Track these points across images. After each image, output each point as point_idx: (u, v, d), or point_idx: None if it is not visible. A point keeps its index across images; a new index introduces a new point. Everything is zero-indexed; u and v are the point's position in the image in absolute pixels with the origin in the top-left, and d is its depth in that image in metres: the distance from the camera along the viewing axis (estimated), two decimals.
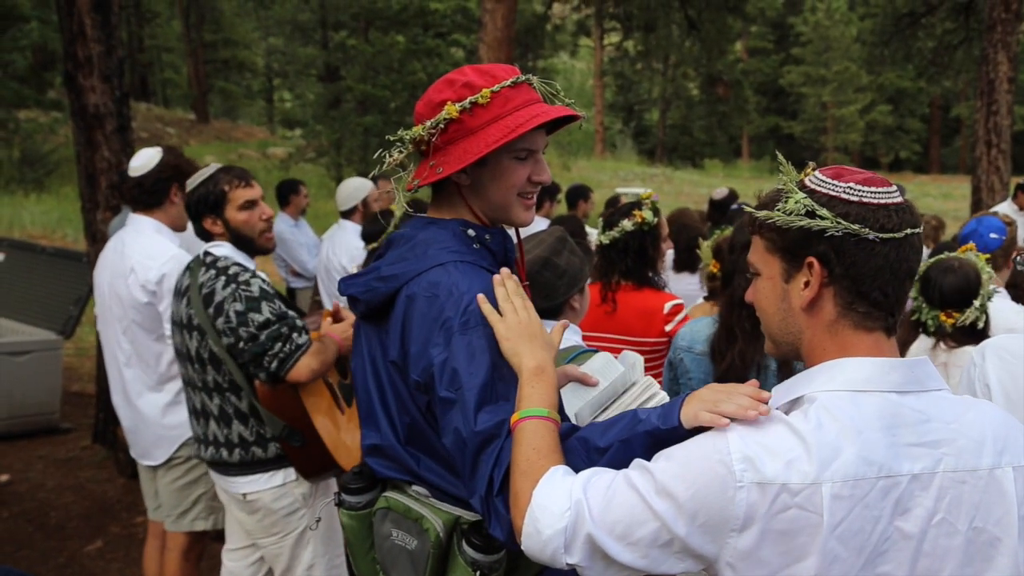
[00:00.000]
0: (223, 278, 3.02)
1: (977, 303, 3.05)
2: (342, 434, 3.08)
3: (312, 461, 3.03)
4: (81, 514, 5.51)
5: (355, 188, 6.38)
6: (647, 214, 3.67)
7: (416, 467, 1.92)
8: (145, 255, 3.62)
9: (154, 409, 3.70)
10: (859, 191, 1.41)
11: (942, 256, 3.20)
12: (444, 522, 1.88)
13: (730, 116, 41.80)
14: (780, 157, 1.55)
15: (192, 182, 3.21)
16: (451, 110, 1.84)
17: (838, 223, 1.39)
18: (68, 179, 16.93)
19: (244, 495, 3.14)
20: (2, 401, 6.80)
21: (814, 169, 1.50)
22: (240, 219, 3.18)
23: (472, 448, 1.70)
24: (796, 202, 1.43)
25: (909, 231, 1.41)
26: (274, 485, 3.10)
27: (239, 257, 3.16)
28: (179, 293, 3.20)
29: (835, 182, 1.43)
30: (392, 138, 1.95)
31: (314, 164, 22.85)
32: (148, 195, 3.71)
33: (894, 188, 1.44)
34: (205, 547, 3.96)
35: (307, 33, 26.85)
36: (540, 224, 5.54)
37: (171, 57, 38.91)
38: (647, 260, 3.70)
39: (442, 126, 1.86)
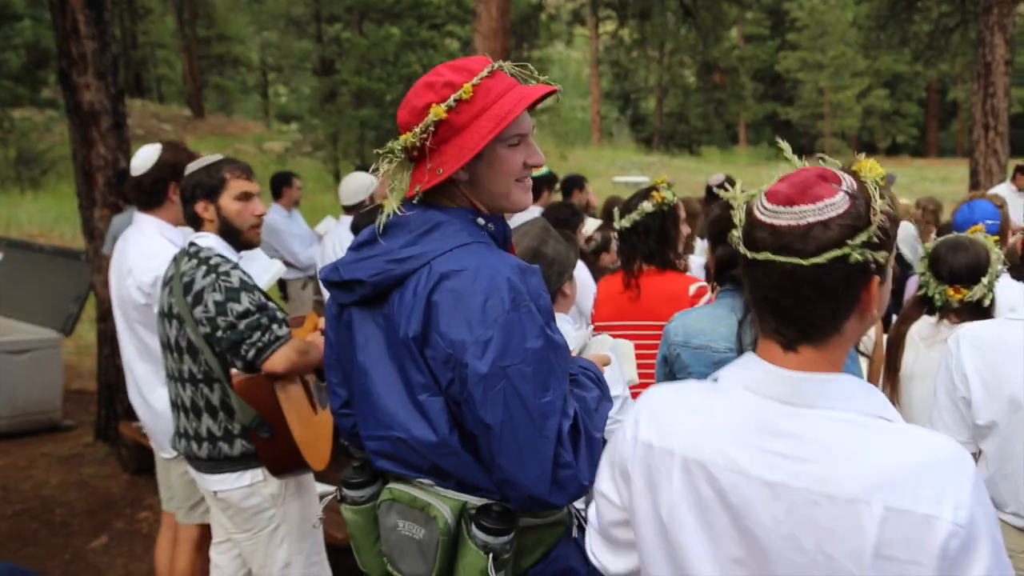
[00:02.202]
0: (204, 267, 3.01)
1: (986, 280, 3.08)
2: (313, 433, 3.08)
3: (280, 457, 3.03)
4: (85, 511, 5.53)
5: (362, 184, 6.36)
6: (667, 194, 3.66)
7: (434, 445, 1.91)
8: (142, 256, 3.64)
9: (165, 404, 3.69)
10: (755, 202, 1.39)
11: (951, 236, 3.23)
12: (451, 508, 1.89)
13: (726, 103, 41.77)
14: (781, 143, 1.53)
15: (193, 166, 3.20)
16: (438, 111, 1.85)
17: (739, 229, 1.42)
18: (65, 177, 16.90)
19: (215, 492, 3.16)
20: (4, 399, 6.81)
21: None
22: (233, 209, 3.17)
23: (535, 420, 1.75)
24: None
25: (768, 256, 1.33)
26: (242, 485, 3.10)
27: (223, 249, 3.15)
28: (164, 283, 3.21)
29: (762, 188, 1.42)
30: (381, 151, 1.96)
31: (311, 158, 22.84)
32: (147, 195, 3.73)
33: (795, 208, 1.33)
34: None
35: (301, 27, 26.80)
36: (535, 212, 5.54)
37: (165, 53, 38.80)
38: (669, 242, 3.68)
39: (432, 129, 1.87)
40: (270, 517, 3.13)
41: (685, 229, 3.80)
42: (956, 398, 2.57)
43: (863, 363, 3.11)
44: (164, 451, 3.83)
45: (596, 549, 1.64)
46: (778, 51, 45.02)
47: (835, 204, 1.32)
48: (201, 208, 3.17)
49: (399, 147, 1.92)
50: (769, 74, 45.97)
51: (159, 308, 3.22)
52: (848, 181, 1.35)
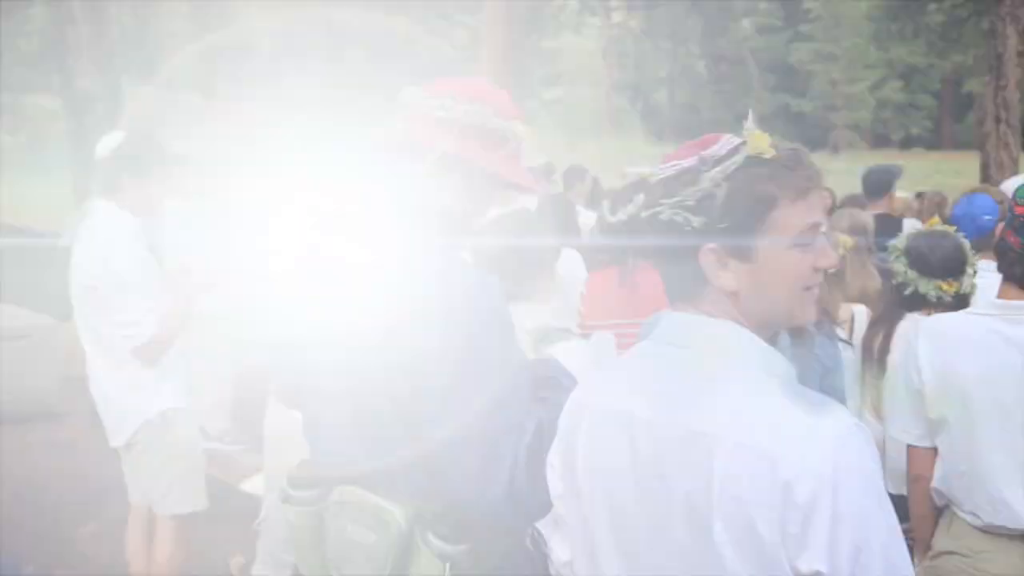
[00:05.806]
0: None
1: (971, 271, 3.05)
2: None
3: None
4: (76, 498, 5.50)
5: None
6: None
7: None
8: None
9: (103, 391, 3.77)
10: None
11: (923, 230, 3.18)
12: (406, 512, 1.79)
13: (736, 95, 41.54)
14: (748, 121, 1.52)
15: None
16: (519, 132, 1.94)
17: None
18: None
19: None
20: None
21: None
22: None
23: (489, 439, 1.68)
24: None
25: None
26: None
27: None
28: None
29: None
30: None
31: None
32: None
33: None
34: (191, 529, 3.97)
35: None
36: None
37: None
38: None
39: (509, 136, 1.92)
40: None
41: None
42: (913, 391, 2.51)
43: (849, 352, 3.05)
44: (111, 438, 3.81)
45: (550, 539, 1.64)
46: (791, 42, 44.80)
47: None
48: None
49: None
50: (782, 66, 45.74)
51: None
52: None
